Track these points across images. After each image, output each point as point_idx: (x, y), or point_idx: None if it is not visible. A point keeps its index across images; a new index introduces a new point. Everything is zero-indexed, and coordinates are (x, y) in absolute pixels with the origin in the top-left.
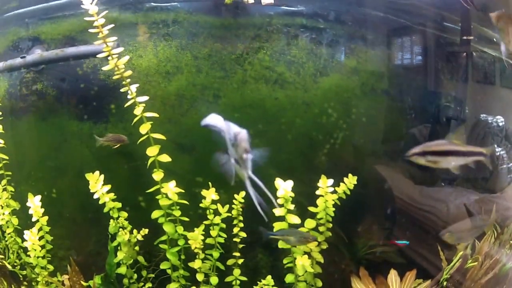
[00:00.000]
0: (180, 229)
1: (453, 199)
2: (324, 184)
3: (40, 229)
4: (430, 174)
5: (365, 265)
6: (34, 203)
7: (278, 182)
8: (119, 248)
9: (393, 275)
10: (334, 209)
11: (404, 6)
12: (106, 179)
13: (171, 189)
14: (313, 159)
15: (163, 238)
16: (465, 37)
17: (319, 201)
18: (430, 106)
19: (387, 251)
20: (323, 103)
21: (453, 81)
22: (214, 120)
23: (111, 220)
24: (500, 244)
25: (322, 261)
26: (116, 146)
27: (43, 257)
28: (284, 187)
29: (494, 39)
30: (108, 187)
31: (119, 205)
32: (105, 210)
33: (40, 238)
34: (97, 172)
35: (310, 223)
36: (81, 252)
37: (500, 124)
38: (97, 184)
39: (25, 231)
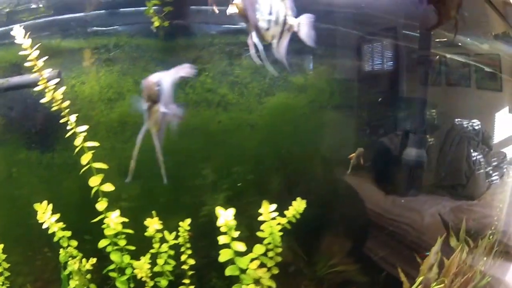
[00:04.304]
0: (127, 258)
1: (427, 208)
2: (266, 210)
3: None
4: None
5: (328, 285)
6: None
7: (219, 211)
8: (70, 276)
9: None
10: (281, 233)
11: (357, 16)
12: (55, 207)
13: (113, 219)
14: (262, 180)
15: (112, 266)
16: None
17: (263, 226)
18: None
19: (351, 270)
20: (268, 123)
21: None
22: None
23: (61, 249)
24: (474, 258)
25: (274, 286)
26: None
27: (2, 284)
28: (225, 217)
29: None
30: (57, 216)
31: (69, 233)
32: (55, 239)
33: None
34: (45, 202)
35: (259, 249)
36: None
37: (476, 127)
38: (45, 214)
39: None
